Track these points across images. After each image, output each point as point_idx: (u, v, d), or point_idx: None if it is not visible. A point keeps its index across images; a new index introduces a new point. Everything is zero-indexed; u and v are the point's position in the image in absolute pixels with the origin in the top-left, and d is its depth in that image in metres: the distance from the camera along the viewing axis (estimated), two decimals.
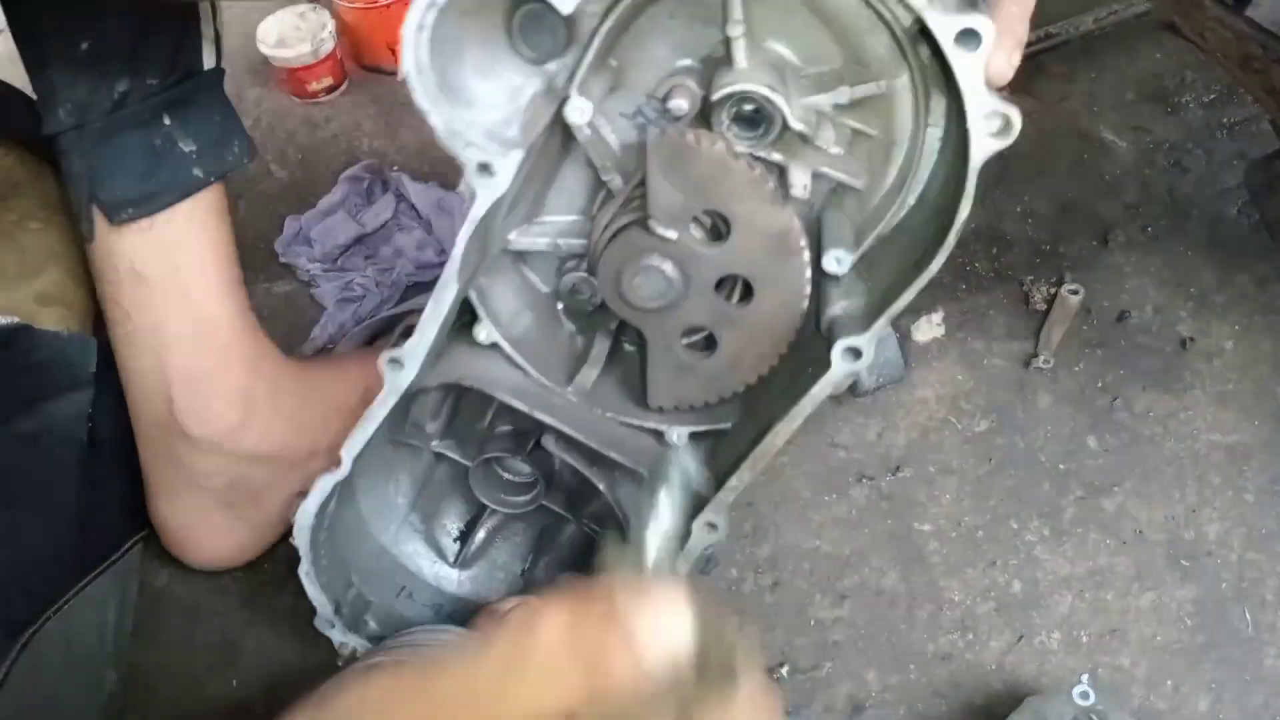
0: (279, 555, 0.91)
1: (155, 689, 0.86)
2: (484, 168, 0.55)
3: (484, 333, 0.67)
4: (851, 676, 0.83)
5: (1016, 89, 1.17)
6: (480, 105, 0.56)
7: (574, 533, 0.81)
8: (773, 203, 0.58)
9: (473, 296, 0.65)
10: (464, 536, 0.82)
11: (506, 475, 0.78)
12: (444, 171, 1.19)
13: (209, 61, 0.78)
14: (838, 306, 0.60)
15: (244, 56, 1.35)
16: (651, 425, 0.69)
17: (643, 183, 0.59)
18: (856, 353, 0.56)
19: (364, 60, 1.34)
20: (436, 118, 0.54)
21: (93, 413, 0.84)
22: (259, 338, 0.84)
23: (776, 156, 0.59)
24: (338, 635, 0.75)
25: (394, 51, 1.32)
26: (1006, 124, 0.50)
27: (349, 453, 0.66)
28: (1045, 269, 1.04)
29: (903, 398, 0.97)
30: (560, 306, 0.69)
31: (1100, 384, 0.97)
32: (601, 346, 0.69)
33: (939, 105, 0.57)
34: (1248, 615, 0.84)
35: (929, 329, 1.01)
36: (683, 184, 0.57)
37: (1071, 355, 0.98)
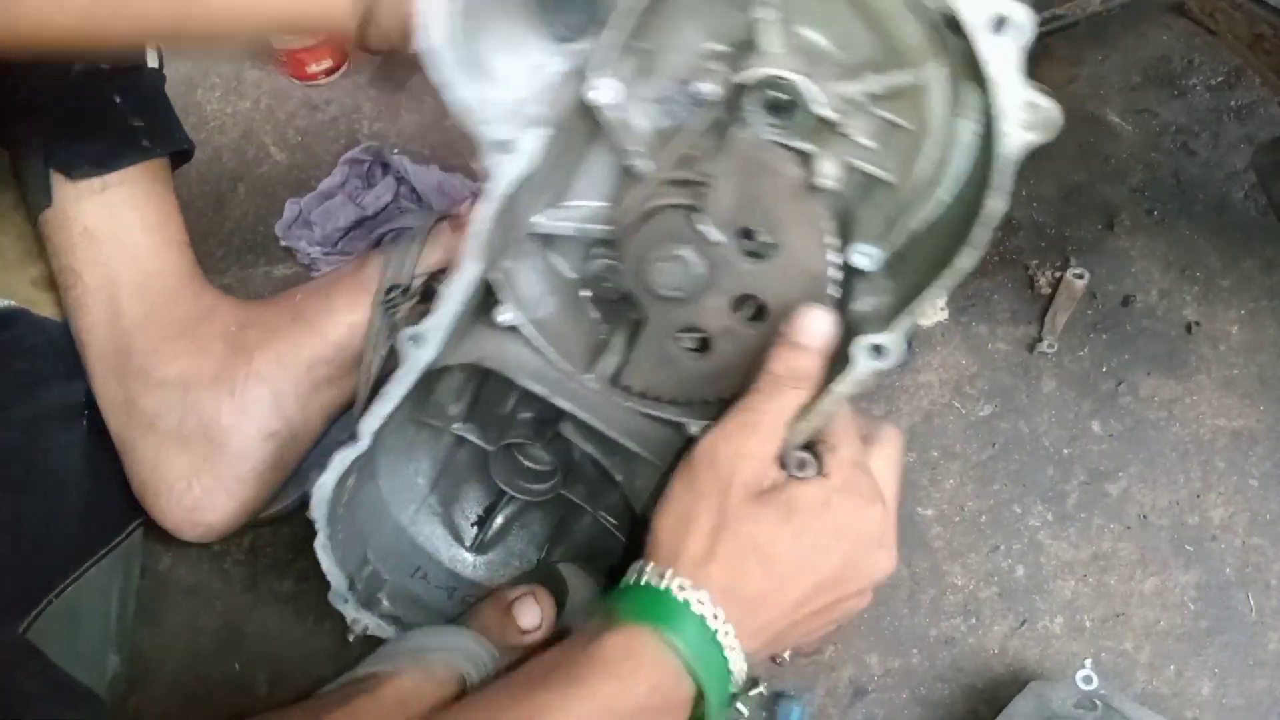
0: (280, 539, 0.91)
1: (158, 672, 0.87)
2: (502, 145, 0.54)
3: (505, 315, 0.65)
4: (854, 660, 0.83)
5: None
6: (501, 82, 0.55)
7: (590, 524, 0.80)
8: (823, 247, 0.57)
9: (496, 279, 0.64)
10: (482, 521, 0.82)
11: (526, 463, 0.77)
12: (445, 155, 1.18)
13: (153, 62, 0.85)
14: (864, 303, 0.59)
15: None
16: (671, 417, 0.67)
17: (690, 165, 0.57)
18: (879, 350, 0.55)
19: None
20: (456, 93, 0.53)
21: (92, 398, 0.84)
22: (203, 284, 0.87)
23: (806, 146, 0.57)
24: (350, 611, 0.74)
25: None
26: (1042, 117, 0.48)
27: (367, 428, 0.65)
28: (1050, 253, 1.03)
29: (906, 382, 0.97)
30: (585, 294, 0.68)
31: (1105, 368, 0.96)
32: (624, 335, 0.67)
33: (972, 97, 0.54)
34: (1251, 600, 0.84)
35: (932, 313, 1.01)
36: (750, 194, 0.56)
37: (1076, 339, 0.98)
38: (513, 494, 0.78)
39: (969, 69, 0.53)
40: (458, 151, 1.20)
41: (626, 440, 0.67)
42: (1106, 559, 0.87)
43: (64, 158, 0.79)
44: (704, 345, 0.63)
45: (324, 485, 0.68)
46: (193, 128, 0.92)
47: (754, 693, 0.82)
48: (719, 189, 0.56)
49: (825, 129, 0.57)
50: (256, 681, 0.85)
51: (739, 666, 0.55)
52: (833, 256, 0.58)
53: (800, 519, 0.56)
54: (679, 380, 0.65)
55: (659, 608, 0.54)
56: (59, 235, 0.81)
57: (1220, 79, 1.16)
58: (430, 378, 0.65)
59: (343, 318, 0.84)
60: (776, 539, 0.56)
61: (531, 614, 0.75)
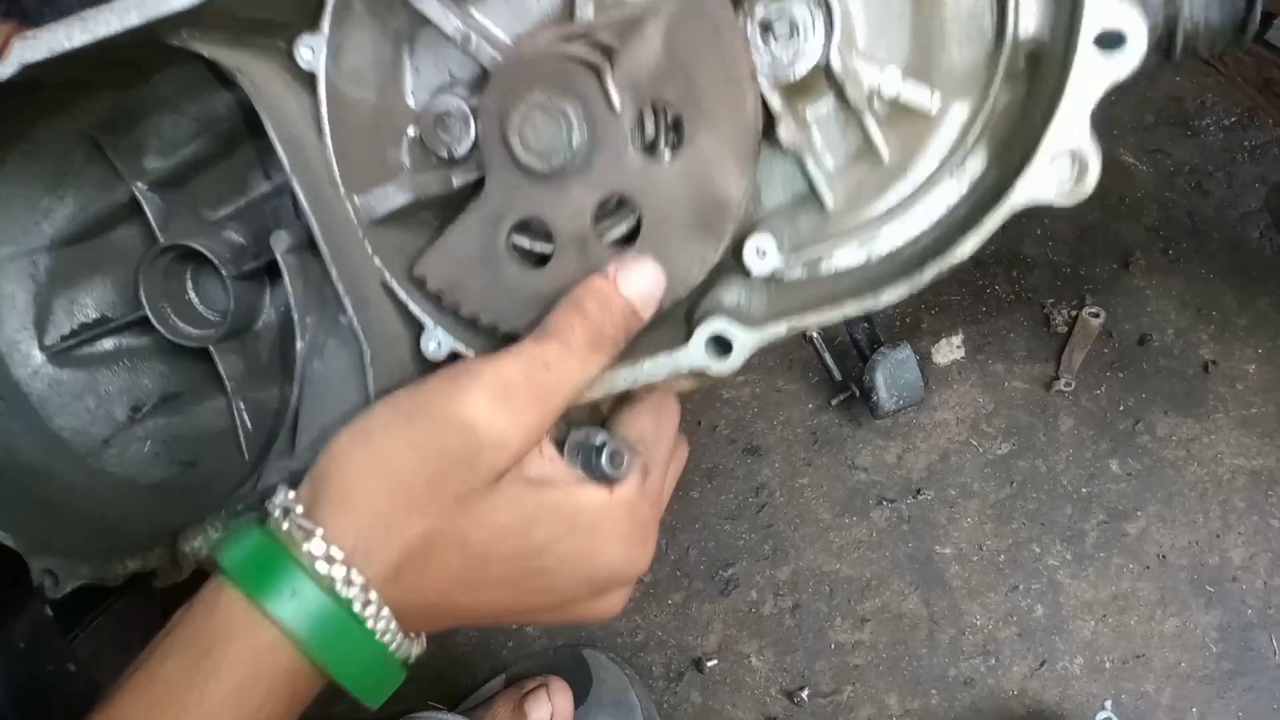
0: None
1: None
2: None
3: (307, 49, 0.47)
4: (872, 700, 0.83)
5: None
6: None
7: (214, 415, 0.60)
8: (746, 157, 0.44)
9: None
10: (85, 330, 0.60)
11: (192, 294, 0.59)
12: None
13: None
14: (734, 295, 0.47)
15: None
16: (417, 311, 0.50)
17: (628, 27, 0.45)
18: (720, 347, 0.44)
19: None
20: None
21: None
22: None
23: (776, 101, 0.45)
24: None
25: None
26: (1083, 171, 0.39)
27: (18, 53, 0.45)
28: (1066, 291, 1.04)
29: (923, 420, 0.97)
30: (411, 132, 0.50)
31: (1122, 407, 0.96)
32: (429, 183, 0.50)
33: (976, 159, 0.45)
34: (1274, 642, 0.83)
35: (949, 351, 1.01)
36: (678, 53, 0.44)
37: (1093, 378, 0.98)
38: (153, 320, 0.57)
39: (1001, 126, 0.45)
40: None
41: (350, 301, 0.49)
42: (1126, 599, 0.86)
43: None
44: (541, 260, 0.48)
45: None
46: None
47: None
48: (646, 36, 0.43)
49: (813, 94, 0.47)
50: None
51: (397, 642, 0.42)
52: (742, 186, 0.45)
53: (547, 533, 0.43)
54: (485, 289, 0.48)
55: (271, 560, 0.40)
56: None
57: (1233, 119, 1.17)
58: (149, 104, 0.51)
59: None
60: (500, 544, 0.42)
61: (541, 711, 0.71)
